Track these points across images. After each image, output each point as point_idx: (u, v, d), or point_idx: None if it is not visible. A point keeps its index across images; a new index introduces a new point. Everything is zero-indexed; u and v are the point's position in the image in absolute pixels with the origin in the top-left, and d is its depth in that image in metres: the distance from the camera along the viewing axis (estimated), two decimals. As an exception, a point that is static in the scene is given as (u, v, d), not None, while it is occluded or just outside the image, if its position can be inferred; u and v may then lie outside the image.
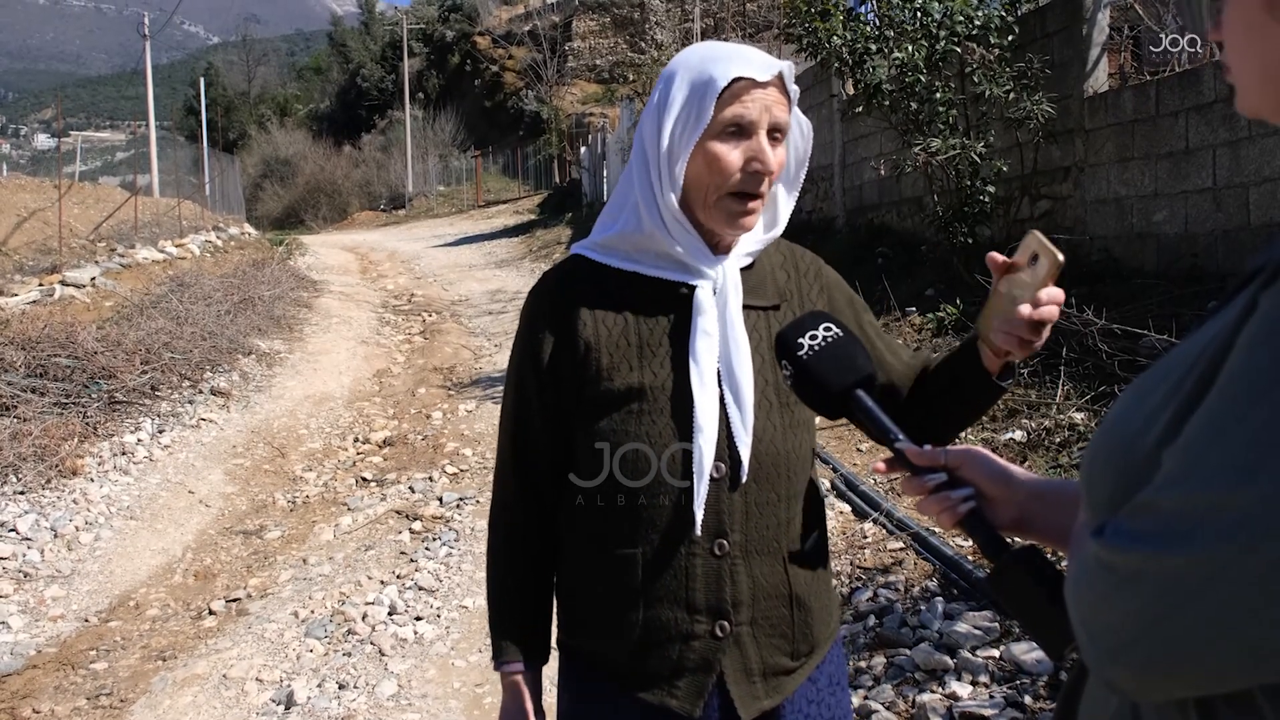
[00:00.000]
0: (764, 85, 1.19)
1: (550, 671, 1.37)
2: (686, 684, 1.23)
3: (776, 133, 1.21)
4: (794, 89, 1.22)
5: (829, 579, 1.36)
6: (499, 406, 1.50)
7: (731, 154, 1.18)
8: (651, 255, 1.25)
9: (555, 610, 1.37)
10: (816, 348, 1.06)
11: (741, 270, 1.28)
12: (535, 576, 1.35)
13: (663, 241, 1.23)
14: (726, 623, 1.22)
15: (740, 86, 1.18)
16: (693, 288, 1.24)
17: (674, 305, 1.25)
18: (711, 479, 1.20)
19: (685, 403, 1.21)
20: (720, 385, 1.22)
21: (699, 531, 1.20)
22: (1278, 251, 0.60)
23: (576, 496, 1.29)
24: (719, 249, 1.27)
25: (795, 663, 1.28)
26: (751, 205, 1.21)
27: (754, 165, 1.19)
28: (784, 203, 1.31)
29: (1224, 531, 0.52)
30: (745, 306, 1.26)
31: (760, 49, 1.25)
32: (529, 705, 1.34)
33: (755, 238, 1.30)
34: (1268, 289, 0.57)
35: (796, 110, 1.25)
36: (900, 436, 1.00)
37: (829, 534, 1.39)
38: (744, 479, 1.21)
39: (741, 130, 1.18)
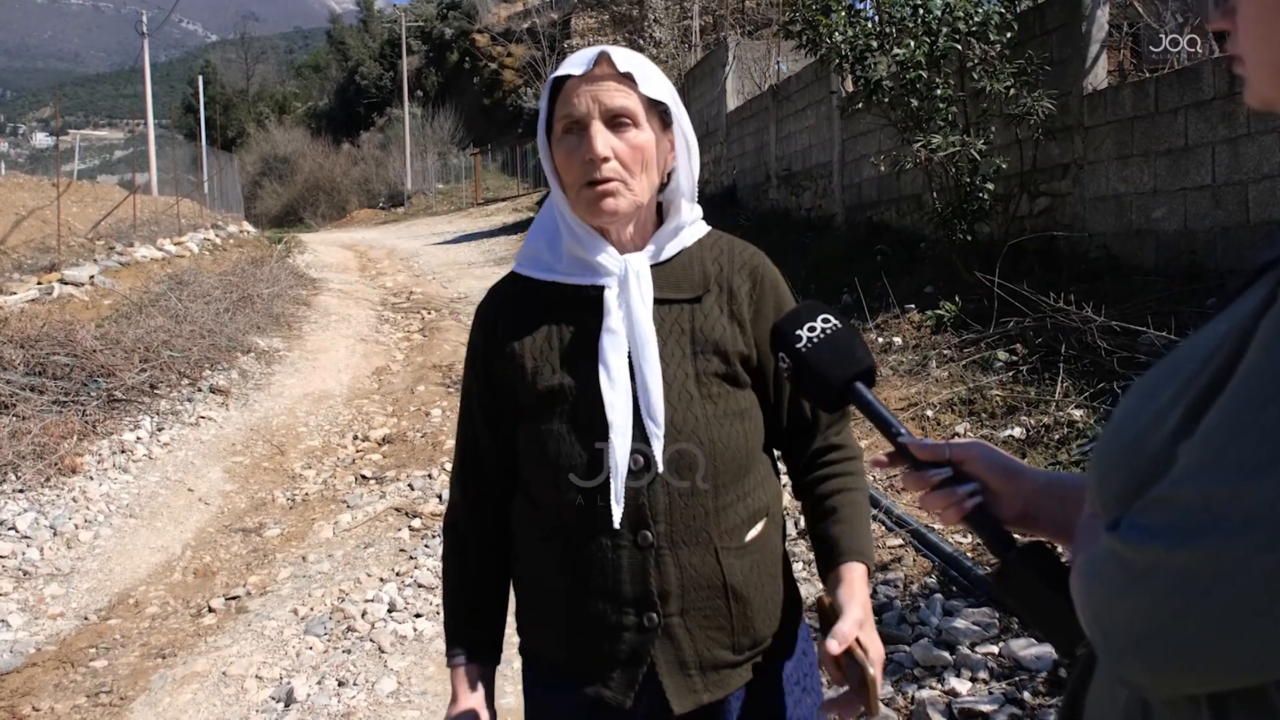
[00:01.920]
0: (589, 78, 1.23)
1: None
2: (619, 675, 1.25)
3: (620, 119, 1.24)
4: (635, 69, 1.23)
5: (779, 571, 1.34)
6: None
7: (572, 150, 1.24)
8: (568, 261, 1.30)
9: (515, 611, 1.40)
10: (815, 339, 1.05)
11: (660, 265, 1.30)
12: (483, 579, 1.39)
13: (574, 245, 1.28)
14: (655, 614, 1.23)
15: (568, 86, 1.24)
16: (601, 288, 1.27)
17: (589, 308, 1.28)
18: (630, 472, 1.22)
19: (600, 400, 1.24)
20: (632, 380, 1.25)
21: (617, 524, 1.22)
22: None
23: (519, 495, 1.35)
24: (625, 246, 1.30)
25: (738, 656, 1.28)
26: (603, 189, 1.24)
27: (586, 155, 1.23)
28: (684, 180, 1.33)
29: (1241, 526, 0.52)
30: (664, 300, 1.29)
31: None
32: (473, 702, 1.36)
33: (668, 229, 1.32)
34: None
35: (653, 85, 1.26)
36: (903, 430, 0.97)
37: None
38: (661, 470, 1.23)
39: (577, 125, 1.24)
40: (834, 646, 1.11)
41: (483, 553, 1.38)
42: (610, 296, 1.26)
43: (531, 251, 1.34)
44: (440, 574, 1.45)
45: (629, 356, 1.25)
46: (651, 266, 1.29)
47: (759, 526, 1.31)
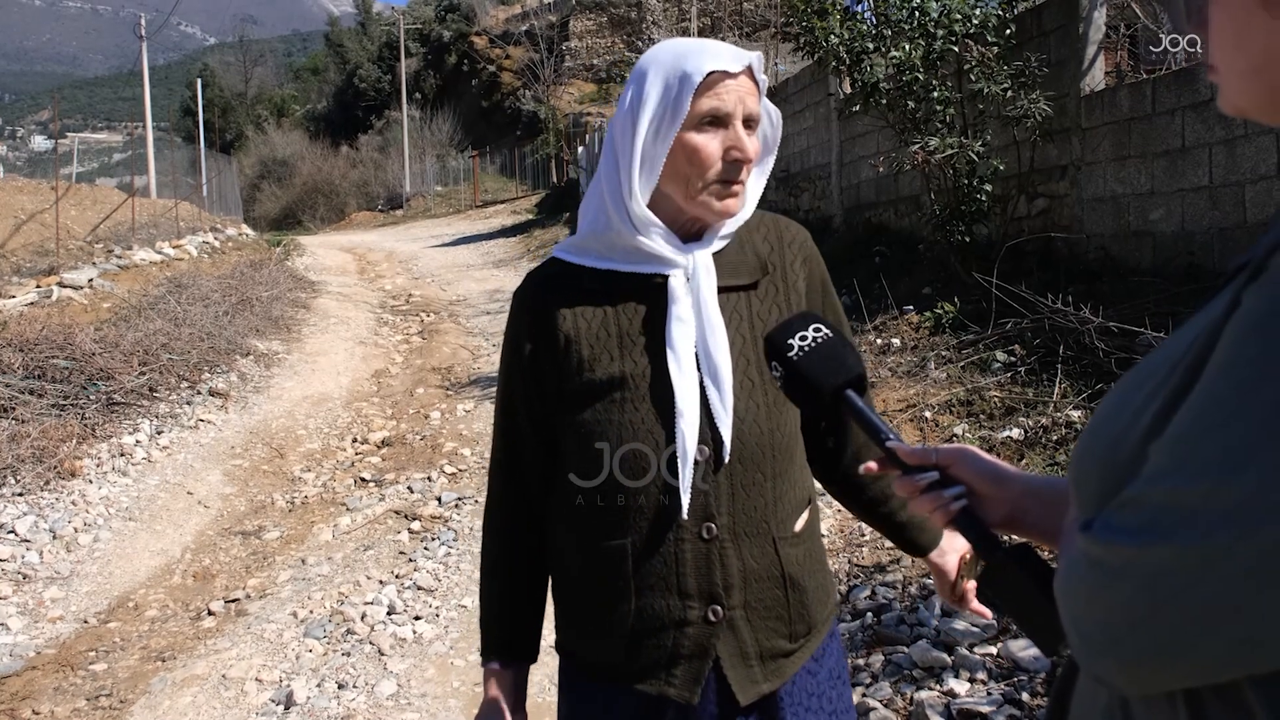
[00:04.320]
0: (736, 77, 1.22)
1: (551, 672, 1.38)
2: (683, 671, 1.23)
3: (750, 122, 1.25)
4: (763, 79, 1.26)
5: (823, 557, 1.36)
6: None
7: (711, 144, 1.22)
8: (622, 252, 1.27)
9: (553, 611, 1.38)
10: (806, 348, 1.06)
11: (717, 253, 1.29)
12: (522, 577, 1.37)
13: (631, 238, 1.25)
14: (720, 607, 1.23)
15: (714, 79, 1.21)
16: (666, 277, 1.26)
17: (649, 295, 1.27)
18: (696, 463, 1.21)
19: (665, 389, 1.22)
20: (699, 369, 1.24)
21: (685, 516, 1.21)
22: (1259, 249, 0.60)
23: (566, 493, 1.30)
24: (690, 238, 1.29)
25: (793, 645, 1.28)
26: (734, 189, 1.25)
27: (734, 154, 1.22)
28: (754, 188, 1.33)
29: (1212, 524, 0.52)
30: (723, 289, 1.27)
31: (757, 48, 1.27)
32: (506, 703, 1.36)
33: (727, 223, 1.32)
34: (1250, 285, 0.57)
35: (765, 99, 1.29)
36: (892, 435, 0.99)
37: (827, 532, 1.43)
38: (727, 461, 1.22)
39: (718, 121, 1.22)
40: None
41: (522, 548, 1.36)
42: (677, 285, 1.25)
43: (580, 241, 1.32)
44: (480, 570, 1.43)
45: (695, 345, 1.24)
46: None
47: (805, 514, 1.32)
